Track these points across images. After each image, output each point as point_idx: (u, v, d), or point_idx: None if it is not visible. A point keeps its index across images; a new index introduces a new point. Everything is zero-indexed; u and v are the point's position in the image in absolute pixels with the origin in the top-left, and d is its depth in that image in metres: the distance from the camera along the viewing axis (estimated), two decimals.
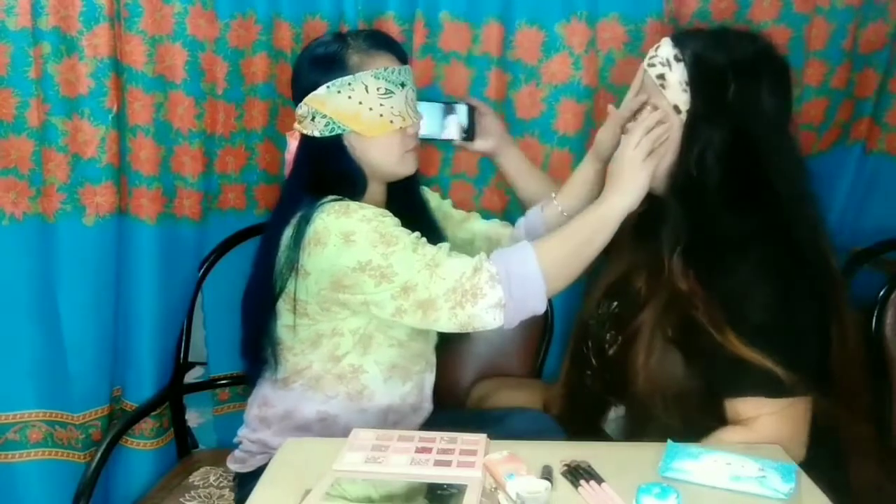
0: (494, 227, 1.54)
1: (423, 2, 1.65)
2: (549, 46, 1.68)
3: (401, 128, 1.31)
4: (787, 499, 1.00)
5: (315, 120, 1.30)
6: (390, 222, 1.24)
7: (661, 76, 1.24)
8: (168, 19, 1.54)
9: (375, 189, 1.37)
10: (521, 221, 1.51)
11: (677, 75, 1.23)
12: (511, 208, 1.79)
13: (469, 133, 1.57)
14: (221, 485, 1.54)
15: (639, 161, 1.22)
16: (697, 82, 1.22)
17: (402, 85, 1.31)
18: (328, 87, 1.29)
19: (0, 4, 1.43)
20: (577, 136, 1.72)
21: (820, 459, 1.14)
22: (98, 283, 1.57)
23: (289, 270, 1.26)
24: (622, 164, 1.24)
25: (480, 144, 1.60)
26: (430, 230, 1.41)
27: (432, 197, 1.56)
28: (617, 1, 1.66)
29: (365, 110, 1.29)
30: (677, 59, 1.23)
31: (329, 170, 1.33)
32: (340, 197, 1.28)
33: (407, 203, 1.42)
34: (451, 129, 1.56)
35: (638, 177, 1.23)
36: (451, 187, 1.77)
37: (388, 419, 1.36)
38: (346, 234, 1.21)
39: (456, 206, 1.60)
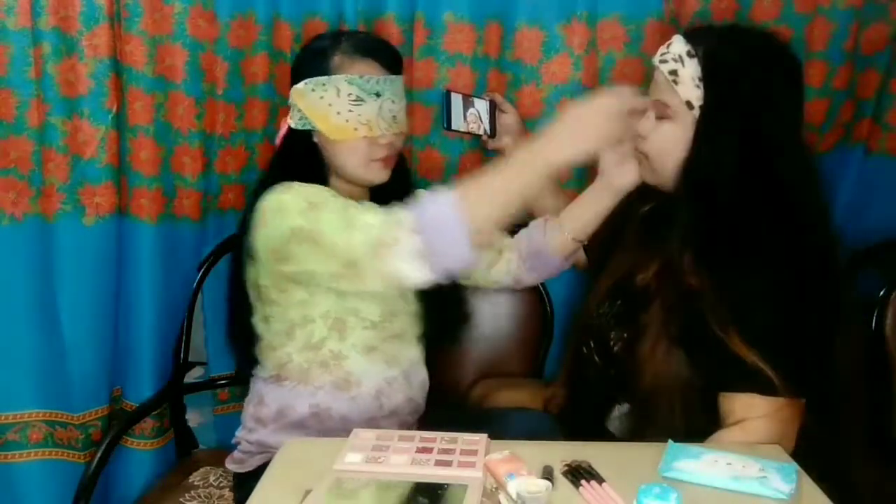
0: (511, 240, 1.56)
1: (424, 2, 1.65)
2: (549, 47, 1.68)
3: (365, 136, 1.31)
4: (787, 499, 1.00)
5: (294, 112, 1.35)
6: (327, 194, 1.24)
7: (674, 72, 1.23)
8: (168, 19, 1.54)
9: (347, 190, 1.38)
10: (523, 234, 1.54)
11: (690, 71, 1.22)
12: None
13: (491, 130, 1.58)
14: (221, 485, 1.54)
15: (609, 112, 1.15)
16: (711, 78, 1.21)
17: (378, 94, 1.31)
18: (306, 83, 1.32)
19: (0, 4, 1.43)
20: None
21: (820, 460, 1.13)
22: (98, 283, 1.56)
23: (247, 258, 1.31)
24: (586, 110, 1.15)
25: (500, 142, 1.62)
26: None
27: None
28: (617, 1, 1.66)
29: (333, 113, 1.30)
30: (690, 55, 1.22)
31: (294, 163, 1.37)
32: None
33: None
34: (474, 123, 1.56)
35: (598, 128, 1.14)
36: None
37: (383, 406, 1.37)
38: (279, 206, 1.24)
39: None
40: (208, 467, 1.60)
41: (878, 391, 1.66)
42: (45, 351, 1.56)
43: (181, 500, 1.50)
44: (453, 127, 1.54)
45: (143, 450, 1.69)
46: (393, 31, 1.65)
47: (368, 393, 1.36)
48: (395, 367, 1.39)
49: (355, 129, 1.31)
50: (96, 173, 1.52)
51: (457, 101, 1.54)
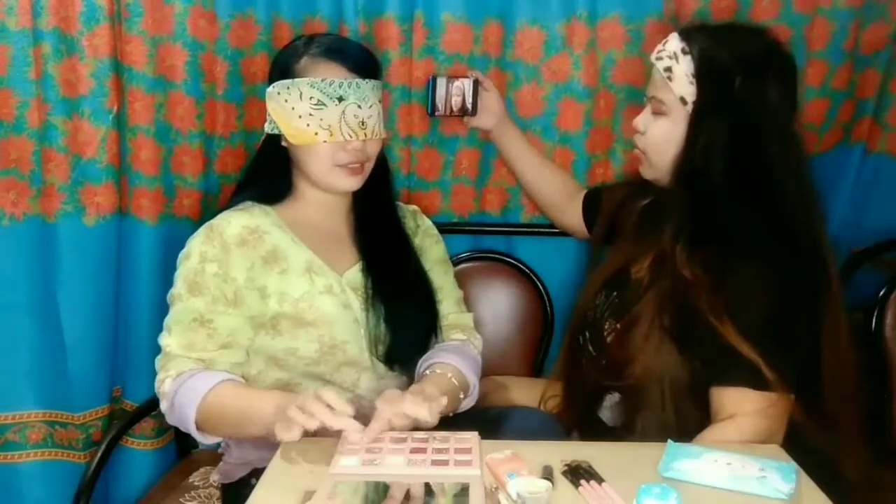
0: (461, 317, 1.51)
1: (423, 1, 1.65)
2: (550, 46, 1.68)
3: (325, 141, 1.30)
4: (787, 499, 1.00)
5: (267, 115, 1.35)
6: (208, 279, 1.28)
7: (668, 69, 1.26)
8: (168, 19, 1.54)
9: (320, 197, 1.39)
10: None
11: (684, 68, 1.25)
12: (510, 208, 1.79)
13: (472, 108, 1.63)
14: None
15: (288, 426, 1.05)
16: (703, 74, 1.23)
17: (340, 99, 1.29)
18: (274, 86, 1.33)
19: (0, 5, 1.43)
20: (577, 136, 1.72)
21: (819, 459, 1.14)
22: (98, 283, 1.57)
23: None
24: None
25: (480, 120, 1.66)
26: (393, 253, 1.42)
27: (434, 249, 1.53)
28: (617, 1, 1.66)
29: (295, 117, 1.30)
30: (684, 52, 1.25)
31: (261, 167, 1.40)
32: (249, 199, 1.37)
33: (368, 221, 1.43)
34: (454, 103, 1.63)
35: (282, 431, 1.05)
36: (452, 191, 1.77)
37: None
38: (186, 254, 1.32)
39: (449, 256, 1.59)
40: (208, 467, 1.60)
41: (878, 391, 1.66)
42: (46, 351, 1.56)
43: (181, 500, 1.50)
44: (437, 112, 1.62)
45: (143, 450, 1.69)
46: (393, 31, 1.65)
47: None
48: (356, 389, 1.37)
49: (315, 134, 1.30)
50: (97, 173, 1.53)
51: (441, 84, 1.61)
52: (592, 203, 1.62)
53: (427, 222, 1.56)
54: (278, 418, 1.07)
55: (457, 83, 1.62)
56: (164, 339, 1.29)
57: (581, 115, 1.71)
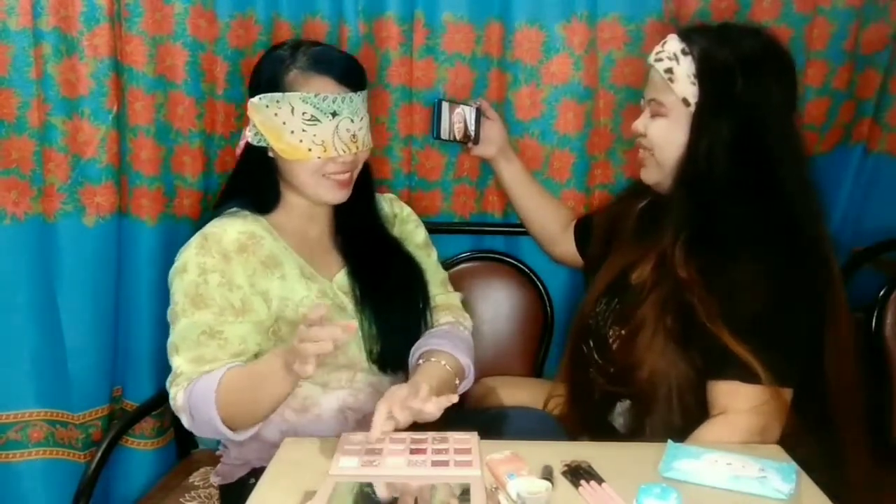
0: (447, 298, 1.52)
1: (423, 2, 1.65)
2: (549, 47, 1.68)
3: (318, 157, 1.29)
4: (787, 499, 1.00)
5: (251, 126, 1.33)
6: (210, 292, 1.26)
7: (669, 70, 1.26)
8: (168, 19, 1.54)
9: (307, 208, 1.38)
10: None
11: (685, 69, 1.25)
12: (511, 209, 1.79)
13: (475, 137, 1.63)
14: None
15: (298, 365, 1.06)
16: (705, 75, 1.24)
17: (334, 114, 1.28)
18: (261, 98, 1.30)
19: (1, 5, 1.43)
20: (577, 137, 1.72)
21: (819, 459, 1.14)
22: (98, 283, 1.57)
23: None
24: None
25: (482, 149, 1.65)
26: (377, 256, 1.41)
27: (414, 234, 1.53)
28: (617, 1, 1.66)
29: (287, 132, 1.28)
30: (685, 53, 1.25)
31: (247, 178, 1.37)
32: (239, 207, 1.35)
33: (350, 225, 1.43)
34: (459, 129, 1.63)
35: (285, 379, 1.11)
36: (453, 192, 1.77)
37: (348, 419, 1.35)
38: (181, 267, 1.29)
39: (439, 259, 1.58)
40: (208, 467, 1.60)
41: (878, 391, 1.66)
42: (46, 350, 1.57)
43: (181, 500, 1.50)
44: (441, 136, 1.62)
45: (143, 450, 1.69)
46: (393, 31, 1.65)
47: (332, 409, 1.34)
48: (355, 385, 1.37)
49: (309, 150, 1.28)
50: (97, 173, 1.53)
51: (446, 109, 1.61)
52: (584, 229, 1.62)
53: (406, 209, 1.55)
54: (289, 362, 1.07)
55: (458, 110, 1.62)
56: (174, 360, 1.26)
57: (581, 116, 1.70)
